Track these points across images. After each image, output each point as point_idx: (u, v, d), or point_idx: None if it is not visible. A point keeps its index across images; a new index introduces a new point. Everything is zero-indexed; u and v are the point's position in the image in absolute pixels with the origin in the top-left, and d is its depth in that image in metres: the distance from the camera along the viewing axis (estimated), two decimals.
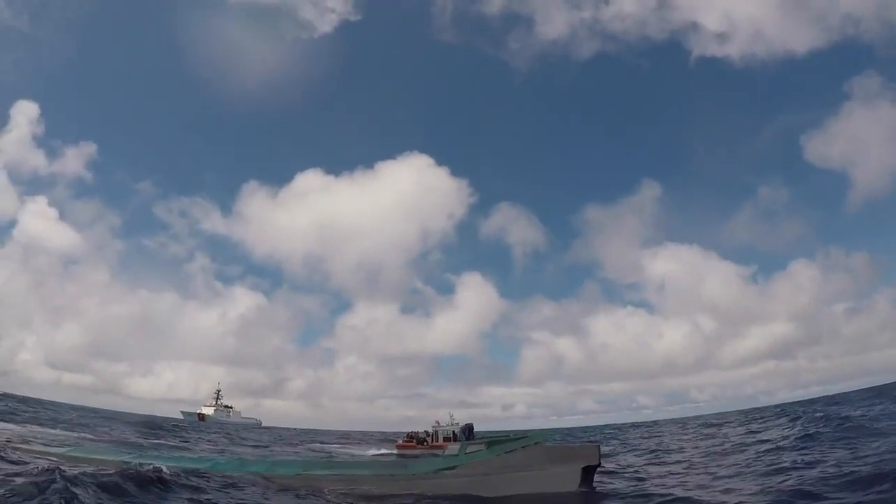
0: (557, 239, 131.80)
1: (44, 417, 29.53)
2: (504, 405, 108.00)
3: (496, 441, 10.10)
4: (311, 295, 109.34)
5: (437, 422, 30.76)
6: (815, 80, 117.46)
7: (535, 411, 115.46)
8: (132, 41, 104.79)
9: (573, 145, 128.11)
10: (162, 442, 22.51)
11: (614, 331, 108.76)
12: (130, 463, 9.74)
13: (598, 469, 9.51)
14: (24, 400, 51.98)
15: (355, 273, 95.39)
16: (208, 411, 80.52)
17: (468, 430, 9.82)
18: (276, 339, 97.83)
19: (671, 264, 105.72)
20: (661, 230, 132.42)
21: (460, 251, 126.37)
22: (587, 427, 76.37)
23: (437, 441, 30.36)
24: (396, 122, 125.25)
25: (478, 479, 9.25)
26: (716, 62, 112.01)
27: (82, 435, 20.60)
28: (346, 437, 54.71)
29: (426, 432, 31.11)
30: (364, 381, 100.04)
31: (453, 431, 29.81)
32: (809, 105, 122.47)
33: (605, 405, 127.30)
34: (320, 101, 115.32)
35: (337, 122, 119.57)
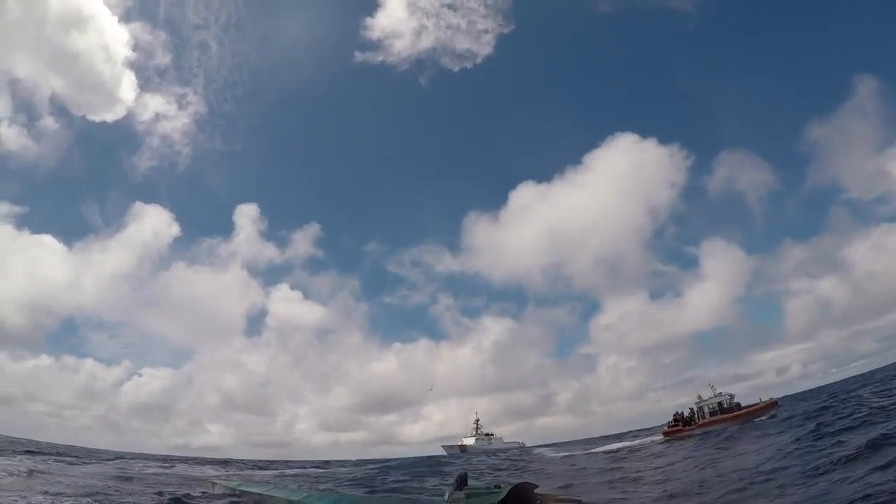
0: (787, 171, 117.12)
1: None
2: (778, 369, 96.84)
3: (475, 493, 10.98)
4: (558, 306, 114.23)
5: (700, 397, 33.01)
6: None
7: (811, 368, 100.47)
8: (313, 121, 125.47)
9: (769, 66, 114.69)
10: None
11: (876, 255, 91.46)
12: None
13: None
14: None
15: (595, 271, 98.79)
16: (469, 441, 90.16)
17: (461, 480, 11.55)
18: (534, 358, 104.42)
19: None
20: (893, 126, 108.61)
21: (693, 218, 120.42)
22: (873, 371, 65.63)
23: (703, 417, 32.68)
24: (587, 110, 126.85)
25: None
26: None
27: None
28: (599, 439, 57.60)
29: (691, 410, 33.52)
30: (629, 378, 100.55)
31: (718, 403, 31.89)
32: None
33: (887, 342, 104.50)
34: (504, 117, 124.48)
35: (528, 132, 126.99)
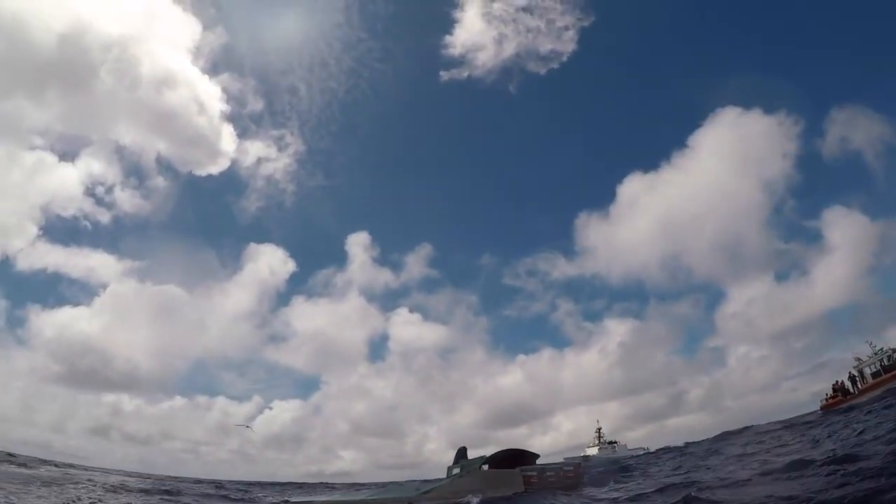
0: None
1: None
2: None
3: (469, 464, 12.12)
4: (680, 299, 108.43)
5: (858, 359, 29.61)
6: None
7: None
8: (409, 144, 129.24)
9: (867, 8, 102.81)
10: None
11: None
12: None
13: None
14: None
15: (715, 258, 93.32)
16: (592, 451, 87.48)
17: (461, 454, 12.71)
18: (660, 356, 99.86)
19: None
20: None
21: (811, 188, 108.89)
22: None
23: (865, 382, 29.71)
24: (683, 88, 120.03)
25: (443, 501, 11.66)
26: None
27: None
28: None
29: (851, 375, 30.69)
30: (761, 368, 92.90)
31: (880, 362, 28.59)
32: None
33: None
34: (600, 110, 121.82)
35: (627, 121, 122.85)
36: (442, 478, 13.72)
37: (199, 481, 36.39)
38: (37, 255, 77.92)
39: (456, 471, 12.59)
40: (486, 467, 12.46)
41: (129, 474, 35.84)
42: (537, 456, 13.03)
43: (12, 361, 79.74)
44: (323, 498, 16.82)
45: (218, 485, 29.97)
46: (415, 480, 17.60)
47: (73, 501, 14.96)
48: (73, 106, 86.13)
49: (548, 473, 11.52)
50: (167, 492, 19.26)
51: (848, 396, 30.31)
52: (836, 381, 31.74)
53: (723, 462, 16.31)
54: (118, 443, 79.31)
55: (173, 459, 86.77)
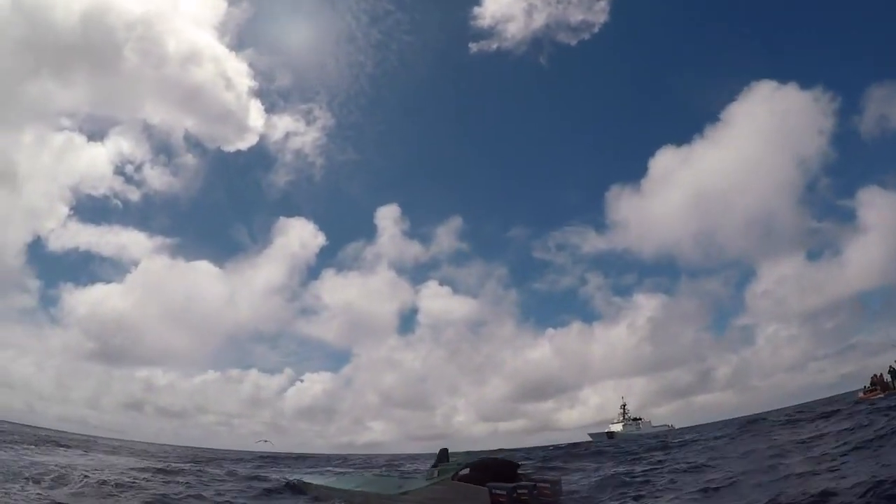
0: None
1: None
2: None
3: (446, 469, 11.64)
4: (711, 276, 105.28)
5: None
6: None
7: None
8: (439, 117, 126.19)
9: None
10: None
11: None
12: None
13: None
14: None
15: (747, 235, 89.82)
16: (616, 427, 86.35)
17: (441, 456, 12.35)
18: (689, 333, 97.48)
19: None
20: None
21: (847, 167, 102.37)
22: None
23: None
24: (718, 61, 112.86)
25: None
26: None
27: None
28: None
29: (892, 370, 28.47)
30: (790, 348, 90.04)
31: None
32: None
33: None
34: (631, 82, 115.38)
35: (659, 94, 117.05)
36: (422, 474, 13.13)
37: (212, 457, 37.03)
38: (68, 234, 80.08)
39: (434, 471, 11.82)
40: (467, 471, 11.40)
41: (133, 450, 36.31)
42: (517, 466, 11.74)
43: (47, 340, 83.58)
44: (321, 481, 16.47)
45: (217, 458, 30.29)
46: (394, 476, 16.65)
47: (64, 471, 14.84)
48: (100, 86, 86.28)
49: (519, 491, 10.12)
50: (167, 471, 18.94)
51: (886, 391, 28.10)
52: (875, 375, 29.64)
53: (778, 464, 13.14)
54: (152, 417, 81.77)
55: (207, 432, 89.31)
